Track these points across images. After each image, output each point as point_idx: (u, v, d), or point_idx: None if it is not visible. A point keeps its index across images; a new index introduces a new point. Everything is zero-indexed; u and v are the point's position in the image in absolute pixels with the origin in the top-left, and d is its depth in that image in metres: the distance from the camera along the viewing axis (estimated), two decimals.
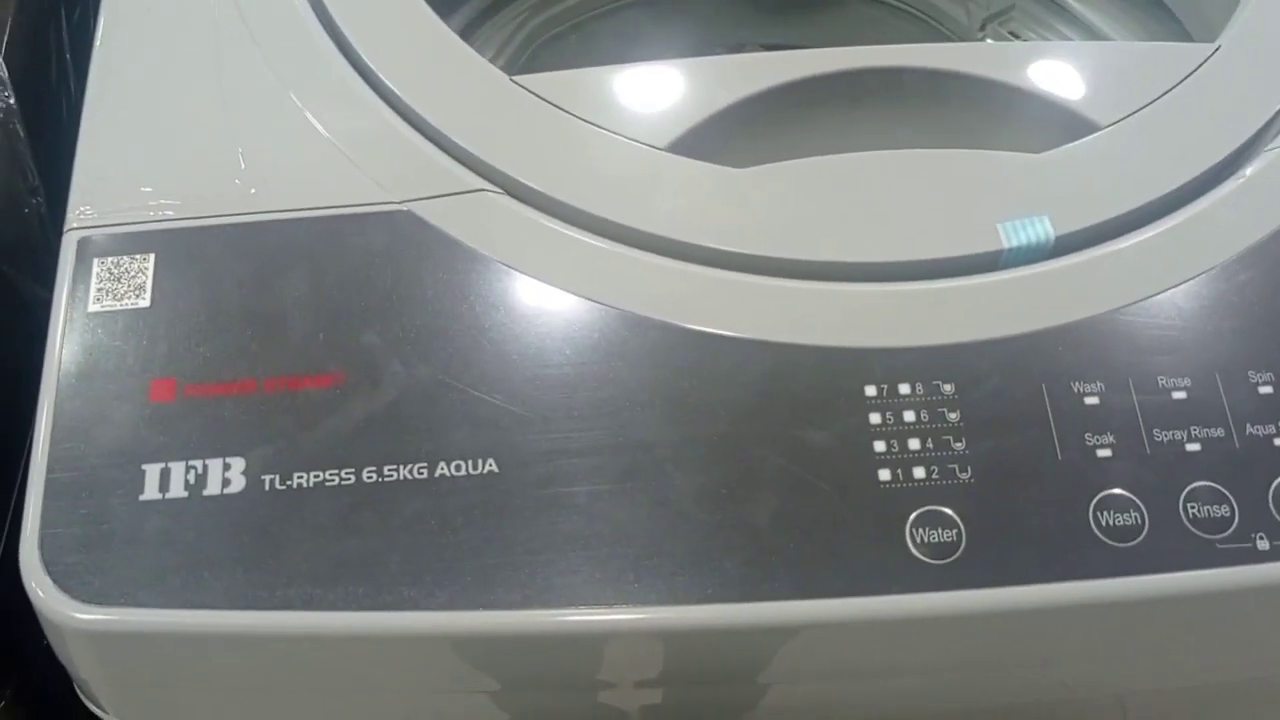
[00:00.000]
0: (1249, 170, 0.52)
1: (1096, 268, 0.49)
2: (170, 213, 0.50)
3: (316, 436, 0.45)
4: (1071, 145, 0.51)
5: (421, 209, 0.50)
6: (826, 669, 0.47)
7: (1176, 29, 0.69)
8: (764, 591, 0.43)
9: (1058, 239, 0.49)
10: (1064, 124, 0.53)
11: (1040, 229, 0.49)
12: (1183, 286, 0.49)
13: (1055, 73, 0.54)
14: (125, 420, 0.46)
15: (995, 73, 0.54)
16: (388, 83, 0.52)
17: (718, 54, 0.85)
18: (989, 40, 0.81)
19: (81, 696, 0.49)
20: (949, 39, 0.83)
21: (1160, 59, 0.55)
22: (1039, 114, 0.53)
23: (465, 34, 0.73)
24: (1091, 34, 0.77)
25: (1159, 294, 0.48)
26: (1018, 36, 0.81)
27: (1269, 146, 0.53)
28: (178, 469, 0.45)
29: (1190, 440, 0.46)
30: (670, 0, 0.85)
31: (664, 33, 0.86)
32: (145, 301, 0.48)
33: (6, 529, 0.49)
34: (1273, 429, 0.46)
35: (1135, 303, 0.48)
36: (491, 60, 0.55)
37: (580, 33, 0.82)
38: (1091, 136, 0.52)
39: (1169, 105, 0.53)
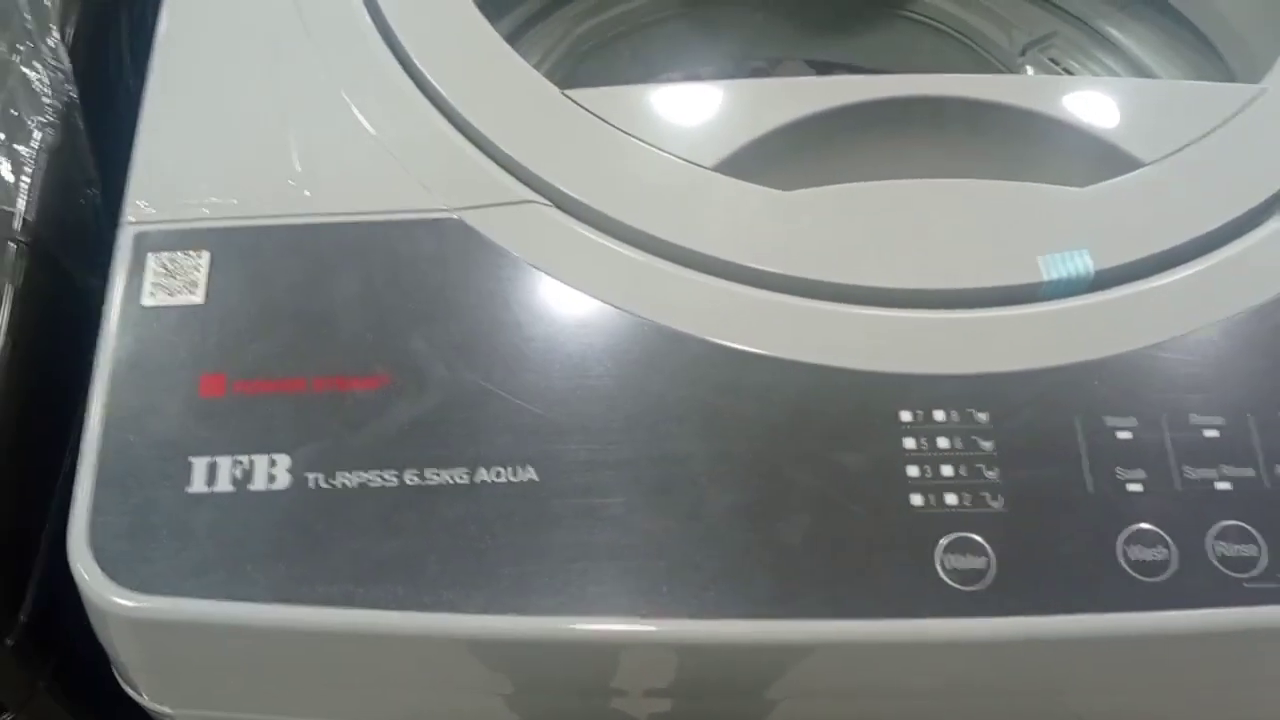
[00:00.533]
0: None
1: (1134, 304, 0.49)
2: (226, 211, 0.51)
3: (361, 437, 0.46)
4: (1114, 181, 0.52)
5: (470, 218, 0.51)
6: (846, 688, 0.48)
7: (1218, 64, 0.69)
8: (793, 610, 0.44)
9: (1097, 273, 0.50)
10: (1107, 159, 0.53)
11: (1080, 263, 0.50)
12: (1219, 326, 0.49)
13: (1100, 108, 0.55)
14: (175, 413, 0.47)
15: (1041, 105, 0.54)
16: (442, 91, 0.53)
17: (758, 68, 0.87)
18: (1029, 66, 0.82)
19: (119, 679, 0.50)
20: (990, 62, 0.83)
21: (1205, 98, 0.56)
22: (1083, 148, 0.54)
23: (512, 39, 0.74)
24: (1132, 64, 0.78)
25: (1195, 332, 0.49)
26: (1058, 63, 0.81)
27: None
28: (224, 464, 0.46)
29: (1220, 479, 0.46)
30: (714, 14, 0.86)
31: (707, 45, 0.86)
32: (199, 298, 0.49)
33: (52, 512, 0.50)
34: None
35: (1171, 339, 0.48)
36: (535, 66, 0.56)
37: (625, 42, 0.83)
38: (1134, 173, 0.52)
39: (1212, 145, 0.53)
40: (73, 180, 0.54)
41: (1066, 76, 0.77)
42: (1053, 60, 0.81)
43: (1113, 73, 0.78)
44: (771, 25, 0.86)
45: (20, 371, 0.49)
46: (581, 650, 0.45)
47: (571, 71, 0.80)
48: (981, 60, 0.83)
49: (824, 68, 0.87)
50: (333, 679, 0.48)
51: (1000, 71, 0.82)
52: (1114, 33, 0.79)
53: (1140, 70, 0.76)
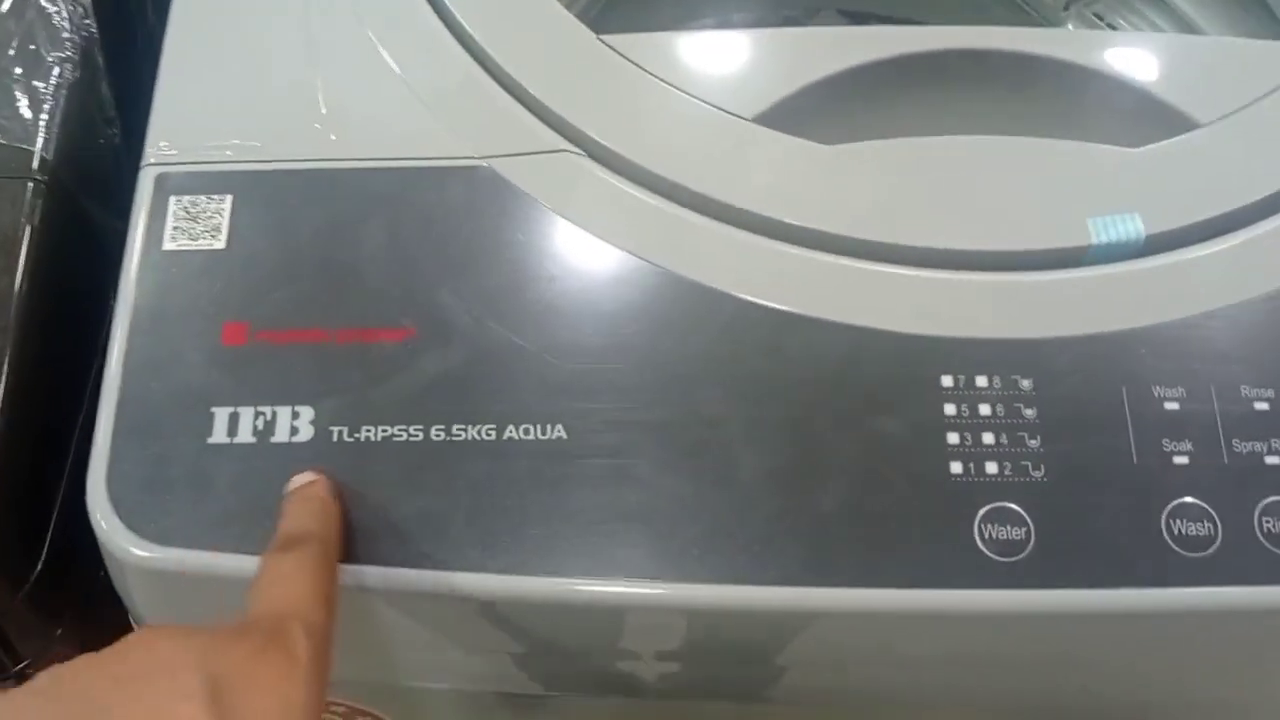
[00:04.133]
0: None
1: (1185, 270, 0.48)
2: (249, 154, 0.50)
3: (386, 390, 0.45)
4: (1168, 142, 0.50)
5: (501, 166, 0.49)
6: (875, 657, 0.47)
7: (1269, 22, 0.67)
8: (827, 578, 0.43)
9: (1148, 238, 0.48)
10: (1160, 119, 0.51)
11: (1131, 227, 0.48)
12: (1273, 295, 0.47)
13: (1154, 65, 0.53)
14: (196, 362, 0.46)
15: (1094, 61, 0.52)
16: (474, 35, 0.51)
17: (794, 16, 0.85)
18: (1072, 22, 0.79)
19: (134, 625, 0.50)
20: (1031, 16, 0.81)
21: (1263, 57, 0.54)
22: (1135, 106, 0.52)
23: None
24: (1178, 19, 0.75)
25: (1248, 301, 0.47)
26: (1101, 18, 0.79)
27: None
28: (246, 414, 0.45)
29: (1270, 453, 0.45)
30: None
31: None
32: (221, 243, 0.48)
33: (71, 459, 0.49)
34: None
35: (1223, 308, 0.47)
36: (567, 9, 0.54)
37: None
38: (1188, 134, 0.51)
39: (1270, 107, 0.51)
40: (92, 119, 0.53)
41: (1118, 31, 0.74)
42: (1096, 15, 0.78)
43: (1159, 28, 0.75)
44: None
45: (38, 312, 0.48)
46: (607, 614, 0.44)
47: (603, 15, 0.78)
48: (1022, 14, 0.81)
49: (858, 18, 0.85)
50: (349, 635, 0.47)
51: (1043, 26, 0.80)
52: None
53: (1187, 26, 0.74)
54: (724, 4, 0.83)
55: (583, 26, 0.52)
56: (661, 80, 0.51)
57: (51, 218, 0.48)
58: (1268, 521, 0.44)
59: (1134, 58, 0.53)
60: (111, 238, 0.54)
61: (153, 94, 0.52)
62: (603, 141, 0.49)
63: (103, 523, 0.44)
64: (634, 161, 0.49)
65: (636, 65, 0.51)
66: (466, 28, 0.52)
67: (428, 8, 0.53)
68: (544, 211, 0.48)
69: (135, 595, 0.46)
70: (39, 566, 0.47)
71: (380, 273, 0.47)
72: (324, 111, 0.51)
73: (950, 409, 0.45)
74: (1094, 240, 0.48)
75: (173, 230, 0.48)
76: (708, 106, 0.50)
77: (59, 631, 0.49)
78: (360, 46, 0.52)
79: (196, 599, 0.46)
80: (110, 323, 0.52)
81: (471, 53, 0.51)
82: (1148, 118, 0.52)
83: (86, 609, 0.50)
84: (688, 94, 0.50)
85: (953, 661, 0.47)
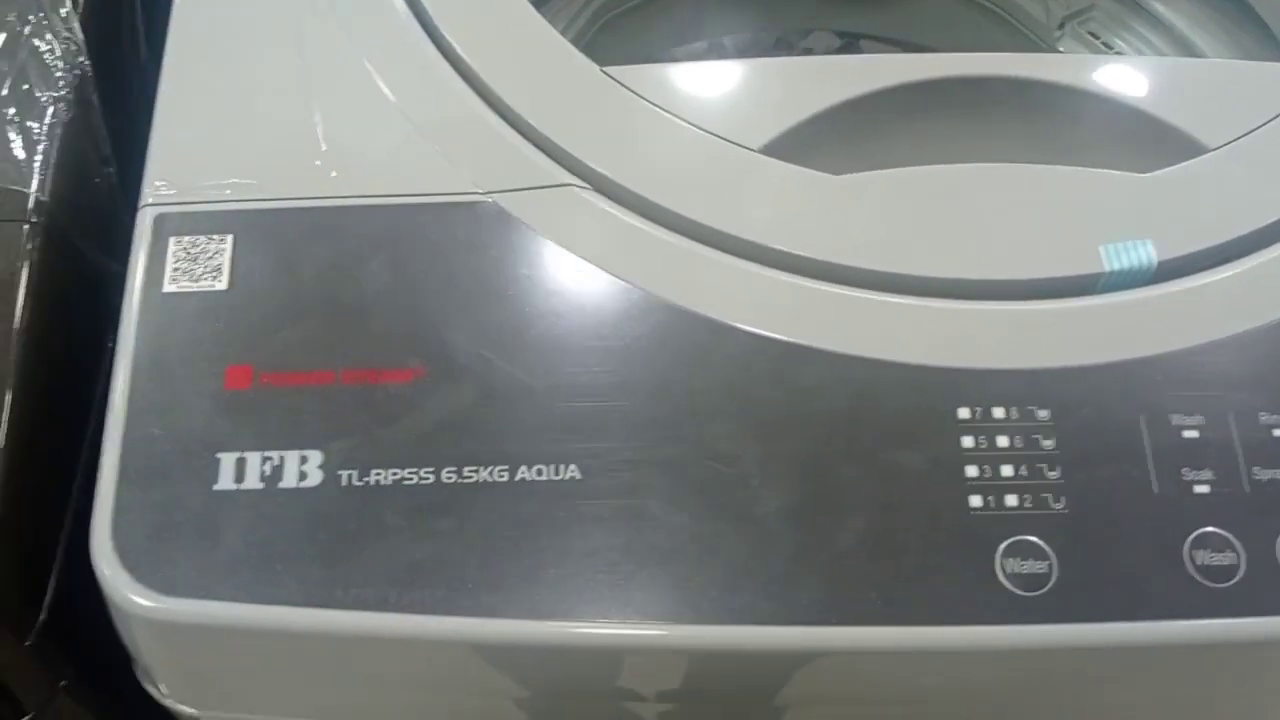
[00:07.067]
0: None
1: (1198, 296, 0.48)
2: (249, 193, 0.49)
3: (396, 433, 0.44)
4: (1178, 167, 0.50)
5: (506, 201, 0.49)
6: (891, 694, 0.46)
7: (1269, 42, 0.67)
8: (848, 616, 0.42)
9: (1159, 265, 0.48)
10: (1167, 144, 0.51)
11: (1143, 253, 0.48)
12: None
13: (1161, 89, 0.53)
14: (200, 406, 0.45)
15: (1098, 86, 0.52)
16: (475, 68, 0.51)
17: (786, 37, 0.85)
18: (1066, 40, 0.79)
19: (140, 678, 0.49)
20: (1025, 36, 0.81)
21: (1269, 79, 0.54)
22: (1142, 132, 0.51)
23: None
24: (1173, 38, 0.75)
25: (1262, 326, 0.47)
26: (1097, 37, 0.78)
27: None
28: (253, 459, 0.44)
29: None
30: None
31: (735, 12, 0.84)
32: (223, 284, 0.47)
33: (70, 506, 0.48)
34: None
35: (1238, 334, 0.47)
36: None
37: (651, 7, 0.80)
38: (1198, 159, 0.50)
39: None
40: (87, 158, 0.52)
41: (1124, 56, 0.74)
42: (1092, 34, 0.78)
43: (1156, 48, 0.75)
44: None
45: (36, 357, 0.47)
46: (629, 658, 0.43)
47: (595, 40, 0.78)
48: (1018, 33, 0.81)
49: (851, 39, 0.85)
50: (365, 682, 0.46)
51: (1037, 45, 0.80)
52: (1156, 6, 0.77)
53: (1185, 46, 0.74)
54: (715, 22, 0.83)
55: (584, 58, 0.51)
56: (666, 112, 0.50)
57: (48, 260, 0.48)
58: None
59: (1138, 82, 0.53)
60: (107, 279, 0.53)
61: (148, 132, 0.51)
62: (608, 174, 0.49)
63: (107, 572, 0.43)
64: (640, 194, 0.48)
65: (641, 97, 0.50)
66: (467, 60, 0.51)
67: (425, 38, 0.52)
68: (550, 246, 0.48)
69: (140, 645, 0.45)
70: (42, 616, 0.46)
71: (386, 312, 0.47)
72: (324, 148, 0.50)
73: (968, 441, 0.44)
74: (1106, 268, 0.48)
75: (173, 272, 0.47)
76: (713, 138, 0.49)
77: (63, 683, 0.48)
78: (358, 79, 0.52)
79: (203, 650, 0.45)
80: (107, 366, 0.52)
81: (472, 85, 0.51)
82: (1154, 142, 0.52)
83: (90, 660, 0.49)
84: (693, 125, 0.50)
85: (971, 696, 0.46)
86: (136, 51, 0.59)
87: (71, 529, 0.47)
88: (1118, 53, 0.76)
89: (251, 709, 0.48)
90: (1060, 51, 0.78)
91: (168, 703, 0.49)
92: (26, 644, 0.45)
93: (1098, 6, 0.79)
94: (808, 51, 0.81)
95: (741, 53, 0.81)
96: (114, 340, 0.50)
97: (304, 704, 0.48)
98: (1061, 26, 0.80)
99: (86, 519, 0.44)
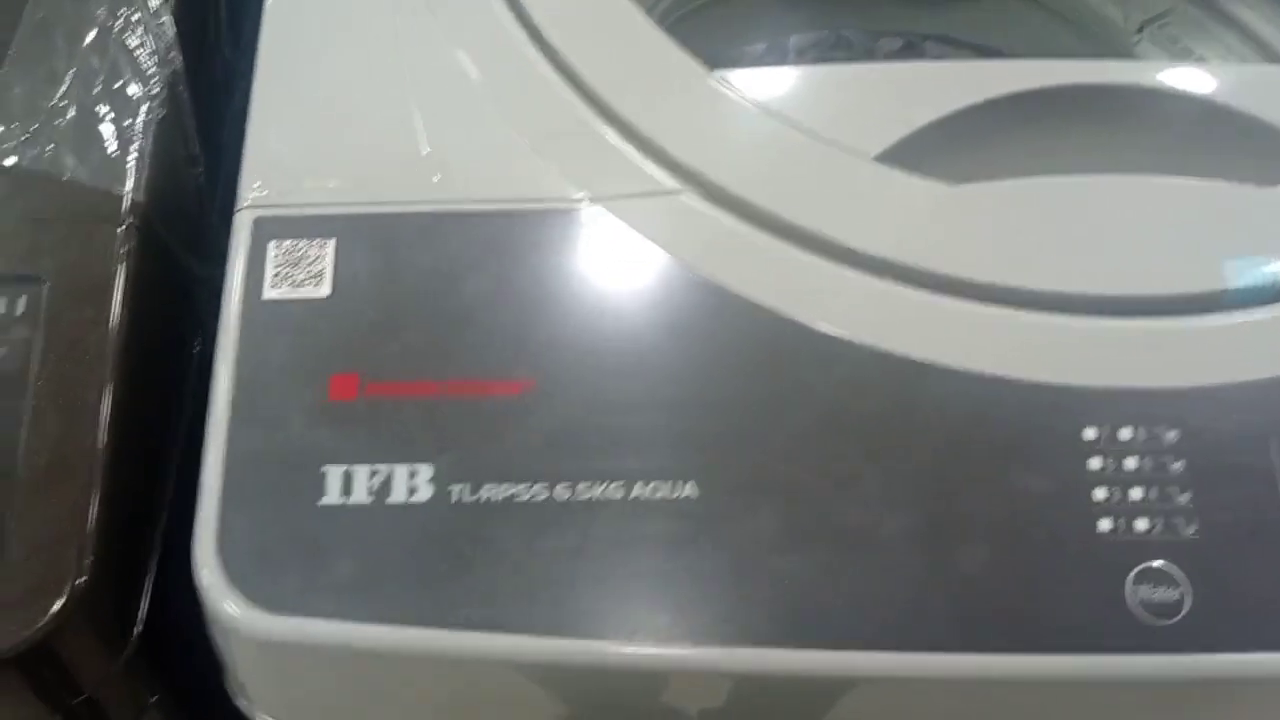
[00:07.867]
0: None
1: None
2: (349, 196, 0.47)
3: (507, 446, 0.43)
4: None
5: (614, 207, 0.47)
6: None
7: None
8: (975, 643, 0.41)
9: None
10: None
11: (1269, 270, 0.46)
12: None
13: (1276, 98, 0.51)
14: (304, 418, 0.43)
15: (1222, 97, 0.51)
16: (581, 72, 0.49)
17: (847, 37, 0.83)
18: (1146, 44, 0.77)
19: (229, 688, 0.47)
20: (1100, 39, 0.79)
21: None
22: (1266, 143, 0.50)
23: None
24: (1258, 44, 0.74)
25: None
26: (1176, 42, 0.77)
27: None
28: (361, 473, 0.43)
29: None
30: None
31: (798, 13, 0.82)
32: (325, 290, 0.46)
33: (164, 518, 0.47)
34: None
35: None
36: None
37: (723, 7, 0.78)
38: None
39: None
40: (177, 157, 0.50)
41: (1243, 65, 0.72)
42: (1171, 39, 0.77)
43: (1236, 52, 0.74)
44: None
45: (130, 364, 0.45)
46: (759, 681, 0.41)
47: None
48: (1093, 38, 0.79)
49: (915, 40, 0.83)
50: (470, 704, 0.45)
51: (1110, 48, 0.78)
52: (1236, 9, 0.75)
53: (1265, 49, 0.73)
54: (778, 22, 0.81)
55: (694, 62, 0.50)
56: (777, 117, 0.49)
57: (142, 263, 0.46)
58: None
59: (1261, 92, 0.51)
60: (196, 282, 0.51)
61: (238, 130, 0.50)
62: (719, 181, 0.47)
63: (211, 590, 0.41)
64: (752, 202, 0.47)
65: (751, 102, 0.49)
66: (573, 65, 0.50)
67: (528, 40, 0.51)
68: (660, 255, 0.46)
69: (240, 664, 0.44)
70: (137, 629, 0.44)
71: (492, 321, 0.45)
72: (425, 150, 0.48)
73: (1095, 463, 0.43)
74: (1232, 284, 0.46)
75: (273, 277, 0.46)
76: (827, 145, 0.48)
77: (154, 698, 0.46)
78: (460, 82, 0.50)
79: (307, 669, 0.43)
80: (192, 371, 0.50)
81: (578, 89, 0.49)
82: (1272, 154, 0.50)
83: (179, 676, 0.48)
84: (806, 132, 0.48)
85: None
86: (219, 44, 0.57)
87: (165, 540, 0.46)
88: (1199, 58, 0.75)
89: None
90: (1137, 57, 0.76)
91: (256, 716, 0.47)
92: (121, 660, 0.44)
93: (1175, 10, 0.78)
94: (871, 54, 0.80)
95: (801, 54, 0.79)
96: (200, 343, 0.49)
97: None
98: (1140, 30, 0.78)
99: (180, 529, 0.43)
